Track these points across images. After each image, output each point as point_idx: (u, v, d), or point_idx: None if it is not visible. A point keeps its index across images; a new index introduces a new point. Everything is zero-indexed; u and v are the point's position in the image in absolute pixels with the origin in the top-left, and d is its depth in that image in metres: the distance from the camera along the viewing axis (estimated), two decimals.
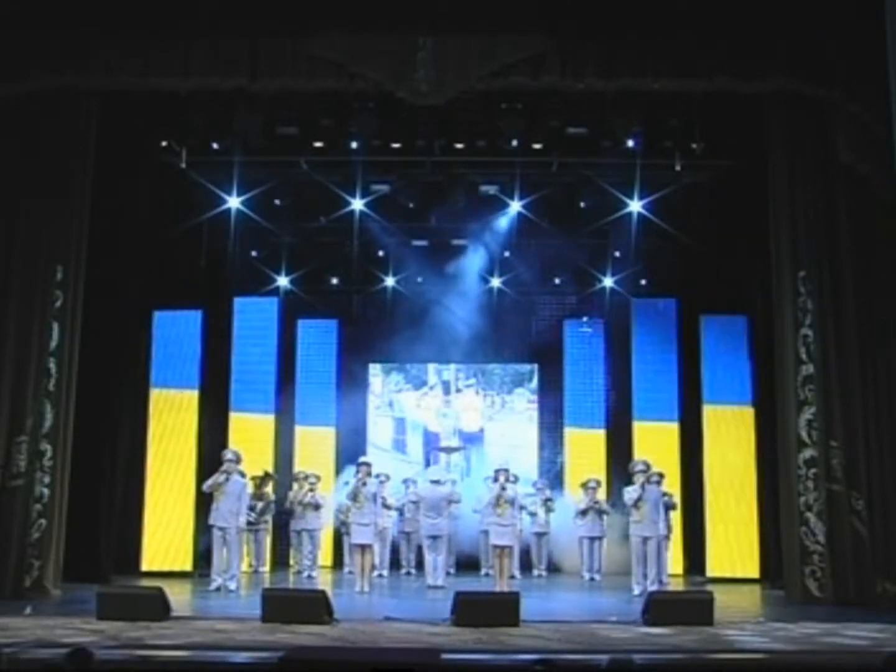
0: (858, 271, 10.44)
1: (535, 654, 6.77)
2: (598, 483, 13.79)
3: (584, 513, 13.45)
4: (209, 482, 11.45)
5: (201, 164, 12.63)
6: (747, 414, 13.26)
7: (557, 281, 15.37)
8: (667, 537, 12.51)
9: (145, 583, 11.14)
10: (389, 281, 15.44)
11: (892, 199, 9.99)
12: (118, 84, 10.51)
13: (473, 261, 14.83)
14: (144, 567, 12.78)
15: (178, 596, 9.73)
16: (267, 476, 13.63)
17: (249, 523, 12.53)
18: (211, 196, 13.34)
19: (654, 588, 10.85)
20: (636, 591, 11.07)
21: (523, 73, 10.34)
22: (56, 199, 10.60)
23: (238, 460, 11.72)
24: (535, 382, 16.13)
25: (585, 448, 14.73)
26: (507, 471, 11.88)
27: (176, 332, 13.49)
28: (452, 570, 13.50)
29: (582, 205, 13.70)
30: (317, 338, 15.28)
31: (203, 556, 12.51)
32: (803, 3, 10.25)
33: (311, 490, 13.35)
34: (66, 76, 10.35)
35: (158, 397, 13.30)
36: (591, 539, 13.40)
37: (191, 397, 13.42)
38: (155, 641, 7.69)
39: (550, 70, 10.31)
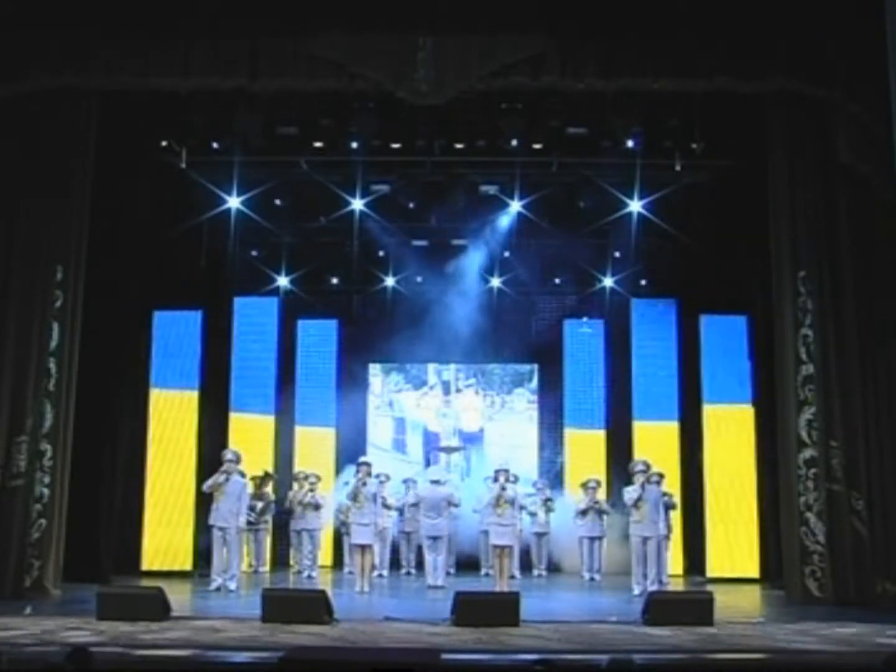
0: (858, 271, 10.44)
1: (535, 654, 6.78)
2: (598, 483, 13.78)
3: (584, 513, 13.44)
4: (209, 482, 11.45)
5: (201, 164, 12.63)
6: (747, 414, 13.26)
7: (557, 281, 15.38)
8: (667, 537, 12.50)
9: (145, 583, 11.15)
10: (389, 281, 15.44)
11: (892, 199, 10.00)
12: (118, 84, 10.51)
13: (473, 261, 14.82)
14: (144, 567, 12.78)
15: (178, 596, 9.72)
16: (267, 476, 13.64)
17: (249, 523, 12.53)
18: (211, 196, 13.34)
19: (654, 588, 10.85)
20: (636, 591, 11.07)
21: (523, 73, 10.34)
22: (56, 199, 10.60)
23: (238, 460, 11.72)
24: (535, 382, 16.13)
25: (585, 448, 14.72)
26: (507, 471, 11.88)
27: (176, 332, 13.50)
28: (452, 570, 13.50)
29: (582, 205, 13.70)
30: (317, 338, 15.27)
31: (203, 556, 12.51)
32: (803, 3, 10.26)
33: (311, 490, 13.35)
34: (66, 76, 10.35)
35: (158, 397, 13.31)
36: (591, 539, 13.40)
37: (191, 398, 13.43)
38: (155, 641, 7.69)
39: (550, 70, 10.31)
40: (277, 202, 13.72)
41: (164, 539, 12.92)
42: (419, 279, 15.35)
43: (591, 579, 13.19)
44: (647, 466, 11.58)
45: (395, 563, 13.83)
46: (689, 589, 12.27)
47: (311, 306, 15.40)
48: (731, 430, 13.34)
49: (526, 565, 13.79)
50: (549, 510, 13.94)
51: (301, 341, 15.18)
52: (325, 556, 14.23)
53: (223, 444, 12.98)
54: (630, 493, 11.40)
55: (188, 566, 12.89)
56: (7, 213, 10.59)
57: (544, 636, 8.01)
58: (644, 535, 11.30)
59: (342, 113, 11.85)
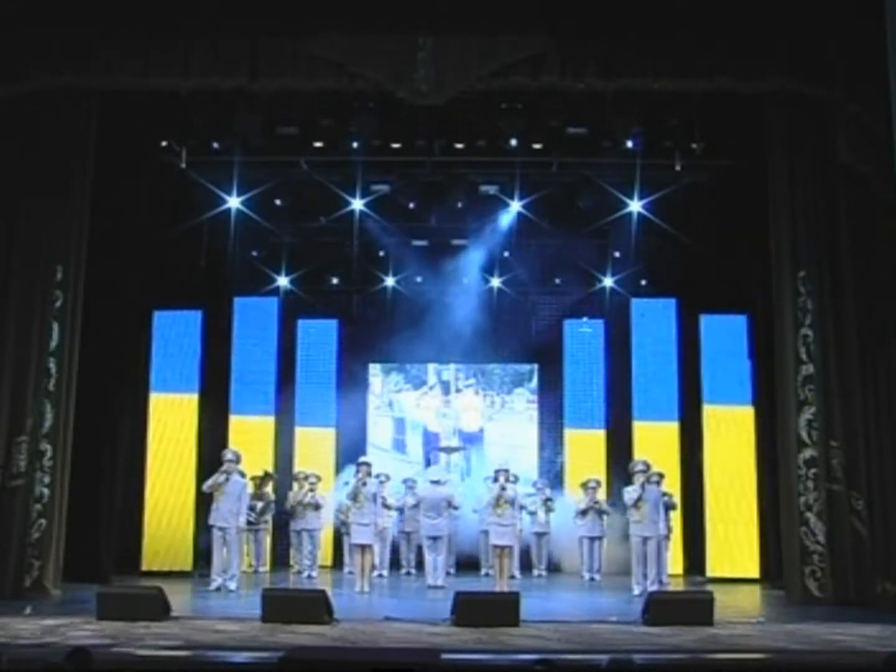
0: (858, 271, 10.44)
1: (535, 654, 6.78)
2: (598, 483, 13.78)
3: (584, 513, 13.44)
4: (209, 482, 11.45)
5: (201, 164, 12.63)
6: (747, 414, 13.25)
7: (557, 281, 15.38)
8: (667, 537, 12.50)
9: (145, 583, 11.13)
10: (389, 281, 15.44)
11: (892, 199, 10.00)
12: (118, 84, 10.51)
13: (473, 261, 14.82)
14: (144, 567, 12.77)
15: (178, 596, 9.72)
16: (267, 476, 13.63)
17: (249, 523, 12.53)
18: (211, 196, 13.35)
19: (654, 588, 10.85)
20: (636, 591, 11.06)
21: (523, 73, 10.34)
22: (56, 199, 10.60)
23: (238, 460, 11.72)
24: (534, 382, 16.13)
25: (585, 448, 14.71)
26: (507, 471, 11.88)
27: (176, 332, 13.50)
28: (452, 570, 13.49)
29: (582, 205, 13.71)
30: (317, 338, 15.25)
31: (203, 556, 12.51)
32: (803, 3, 10.25)
33: (311, 490, 13.35)
34: (66, 76, 10.35)
35: (158, 397, 13.31)
36: (591, 539, 13.39)
37: (190, 398, 13.42)
38: (155, 641, 7.69)
39: (550, 70, 10.31)
40: (277, 202, 13.72)
41: (164, 539, 12.92)
42: (419, 279, 15.35)
43: (591, 579, 13.18)
44: (647, 466, 11.58)
45: (395, 563, 13.82)
46: (689, 589, 12.26)
47: (311, 306, 15.39)
48: (731, 430, 13.34)
49: (526, 565, 13.78)
50: (549, 510, 13.93)
51: (301, 341, 15.17)
52: (325, 556, 14.22)
53: (223, 444, 12.96)
54: (630, 493, 11.40)
55: (188, 566, 12.89)
56: (7, 213, 10.59)
57: (544, 636, 8.01)
58: (644, 535, 11.30)
59: (342, 113, 11.85)
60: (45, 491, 10.31)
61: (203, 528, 12.11)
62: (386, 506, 12.99)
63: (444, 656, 7.00)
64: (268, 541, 13.78)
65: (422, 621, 8.65)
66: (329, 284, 15.53)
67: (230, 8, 10.34)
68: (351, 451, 14.26)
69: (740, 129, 11.80)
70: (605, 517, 13.44)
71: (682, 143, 12.15)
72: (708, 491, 13.24)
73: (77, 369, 10.74)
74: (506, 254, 15.00)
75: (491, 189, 13.79)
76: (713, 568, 13.03)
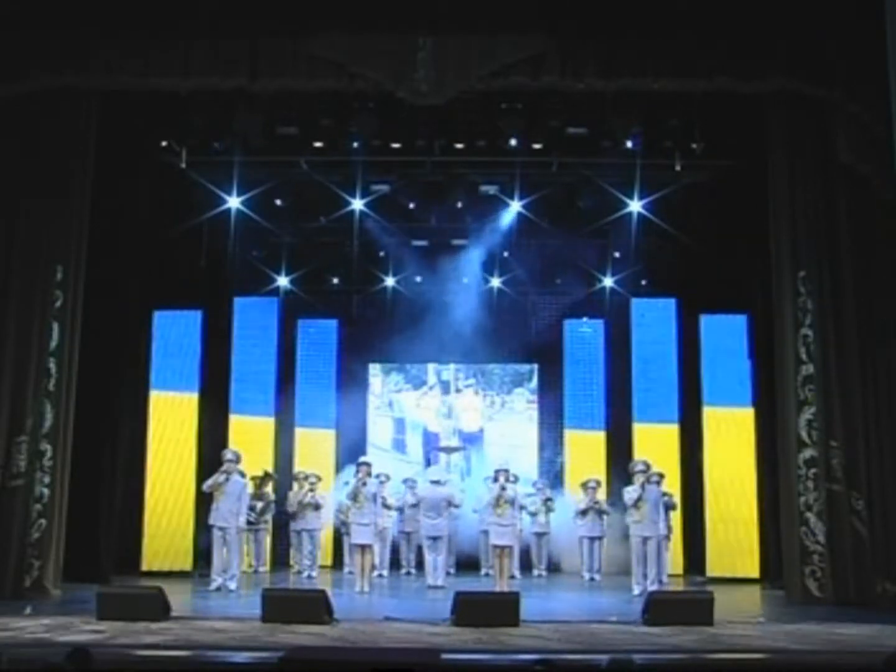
0: (858, 271, 10.44)
1: (535, 654, 6.78)
2: (598, 483, 13.78)
3: (584, 513, 13.44)
4: (209, 482, 11.45)
5: (201, 164, 12.63)
6: (747, 415, 13.22)
7: (557, 281, 15.38)
8: (667, 537, 12.51)
9: (145, 583, 11.14)
10: (389, 281, 15.44)
11: (892, 199, 10.00)
12: (118, 84, 10.51)
13: (473, 261, 14.82)
14: (144, 567, 12.78)
15: (178, 596, 9.72)
16: (267, 476, 13.64)
17: (249, 523, 12.53)
18: (211, 196, 13.34)
19: (654, 588, 10.85)
20: (636, 591, 11.06)
21: (523, 73, 10.34)
22: (56, 199, 10.60)
23: (238, 460, 11.72)
24: (534, 382, 16.13)
25: (585, 450, 14.70)
26: (507, 471, 11.88)
27: (176, 332, 13.49)
28: (452, 570, 13.49)
29: (582, 205, 13.71)
30: (317, 338, 15.27)
31: (203, 556, 12.51)
32: (803, 3, 10.25)
33: (311, 490, 13.35)
34: (66, 76, 10.35)
35: (158, 397, 13.31)
36: (591, 539, 13.39)
37: (190, 398, 13.42)
38: (155, 641, 7.69)
39: (550, 70, 10.31)
40: (277, 202, 13.73)
41: (164, 539, 12.92)
42: (419, 279, 15.34)
43: (591, 579, 13.18)
44: (647, 466, 11.58)
45: (395, 563, 13.82)
46: (689, 589, 12.26)
47: (311, 306, 15.40)
48: (731, 431, 13.32)
49: (526, 565, 13.78)
50: (549, 510, 13.93)
51: (301, 341, 15.18)
52: (325, 556, 14.22)
53: (223, 444, 12.96)
54: (630, 493, 11.40)
55: (188, 566, 12.89)
56: (7, 213, 10.59)
57: (544, 636, 8.01)
58: (644, 535, 11.30)
59: (342, 113, 11.85)
60: (45, 491, 10.31)
61: (203, 528, 12.11)
62: (386, 506, 12.99)
63: (444, 656, 7.00)
64: (268, 541, 13.78)
65: (422, 621, 8.65)
66: (329, 284, 15.53)
67: (230, 8, 10.34)
68: (351, 452, 14.27)
69: (740, 129, 11.80)
70: (605, 517, 13.44)
71: (682, 143, 12.15)
72: (708, 491, 13.23)
73: (77, 369, 10.74)
74: (506, 254, 15.00)
75: (491, 189, 13.78)
76: (713, 568, 13.03)
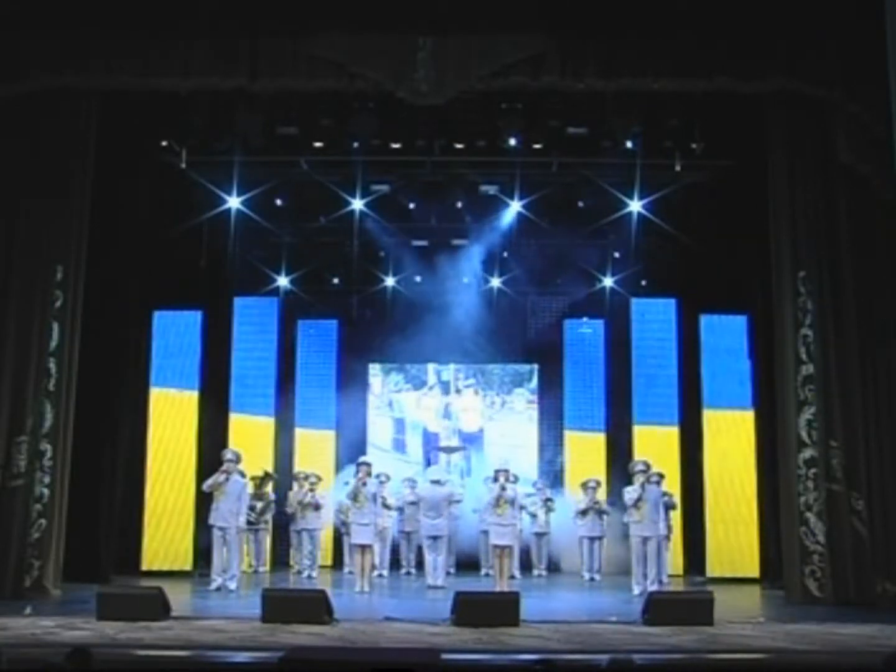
0: (858, 271, 10.44)
1: (535, 654, 6.80)
2: (598, 483, 13.78)
3: (584, 513, 13.44)
4: (209, 482, 11.45)
5: (201, 164, 12.62)
6: (748, 417, 13.18)
7: (557, 281, 15.39)
8: (667, 537, 12.52)
9: (145, 583, 11.13)
10: (389, 281, 15.44)
11: (892, 199, 9.99)
12: (118, 84, 10.50)
13: (473, 261, 14.82)
14: (144, 567, 12.78)
15: (178, 596, 9.73)
16: (267, 476, 13.63)
17: (249, 523, 12.54)
18: (211, 196, 13.34)
19: (654, 588, 10.85)
20: (636, 591, 11.07)
21: (523, 73, 10.33)
22: (56, 199, 10.60)
23: (238, 460, 11.72)
24: (534, 382, 16.13)
25: (585, 451, 14.69)
26: (507, 471, 11.88)
27: (176, 332, 13.50)
28: (452, 570, 13.49)
29: (582, 205, 13.72)
30: (317, 338, 15.28)
31: (203, 556, 12.51)
32: (803, 3, 10.25)
33: (311, 490, 13.35)
34: (66, 76, 10.35)
35: (158, 397, 13.31)
36: (591, 539, 13.39)
37: (191, 398, 13.42)
38: (155, 641, 7.69)
39: (550, 70, 10.31)
40: (277, 202, 13.73)
41: (164, 539, 12.92)
42: (419, 279, 15.34)
43: (591, 579, 13.18)
44: (647, 466, 11.58)
45: (395, 563, 13.82)
46: (689, 589, 12.26)
47: (311, 306, 15.41)
48: (731, 432, 13.31)
49: (526, 565, 13.78)
50: (549, 510, 13.93)
51: (301, 341, 15.19)
52: (325, 556, 14.22)
53: (223, 444, 12.97)
54: (630, 493, 11.40)
55: (188, 566, 12.89)
56: (7, 213, 10.59)
57: (544, 636, 8.01)
58: (644, 535, 11.30)
59: (342, 113, 11.84)
60: (45, 491, 10.31)
61: (203, 528, 12.11)
62: (386, 506, 13.00)
63: (444, 656, 7.00)
64: (268, 541, 13.78)
65: (422, 621, 8.64)
66: (329, 284, 15.53)
67: (230, 8, 10.34)
68: (351, 452, 14.27)
69: (740, 129, 11.79)
70: (605, 517, 13.44)
71: (682, 143, 12.14)
72: (708, 491, 13.22)
73: (77, 369, 10.74)
74: (505, 254, 15.00)
75: (491, 189, 13.77)
76: (713, 568, 13.02)
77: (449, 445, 15.69)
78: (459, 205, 13.82)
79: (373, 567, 12.30)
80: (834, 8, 10.19)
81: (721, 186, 13.02)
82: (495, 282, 15.33)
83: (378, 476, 12.59)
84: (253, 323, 14.47)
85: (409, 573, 13.68)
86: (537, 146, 12.39)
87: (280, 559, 14.03)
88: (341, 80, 10.50)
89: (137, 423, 13.01)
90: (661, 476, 11.75)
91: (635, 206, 13.51)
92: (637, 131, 11.84)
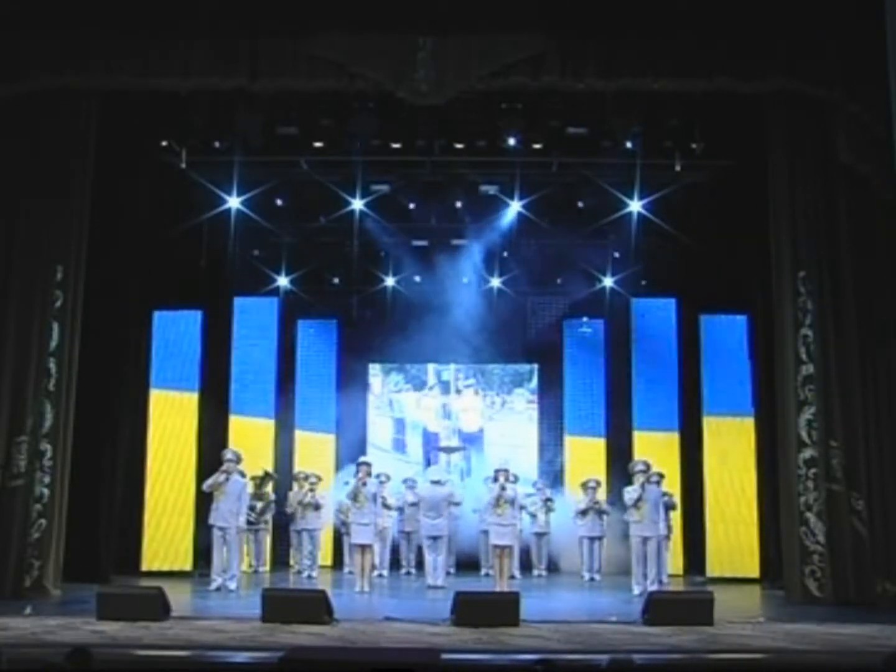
0: (858, 271, 10.44)
1: (535, 654, 6.79)
2: (598, 483, 13.78)
3: (584, 513, 13.44)
4: (209, 482, 11.45)
5: (201, 164, 12.62)
6: (748, 418, 13.14)
7: (557, 281, 15.39)
8: (667, 537, 12.51)
9: (145, 583, 11.13)
10: (389, 281, 15.44)
11: (892, 199, 9.99)
12: (118, 84, 10.50)
13: (473, 261, 14.81)
14: (144, 567, 12.78)
15: (178, 596, 9.72)
16: (267, 476, 13.63)
17: (249, 523, 12.54)
18: (211, 196, 13.33)
19: (654, 588, 10.85)
20: (636, 591, 11.07)
21: (523, 73, 10.33)
22: (56, 199, 10.60)
23: (238, 460, 11.72)
24: (534, 382, 16.12)
25: (586, 456, 14.65)
26: (507, 471, 11.88)
27: (176, 332, 13.49)
28: (452, 570, 13.49)
29: (582, 205, 13.72)
30: (317, 338, 15.28)
31: (203, 556, 12.51)
32: (803, 3, 10.25)
33: (311, 490, 13.35)
34: (66, 76, 10.35)
35: (158, 398, 13.30)
36: (591, 539, 13.39)
37: (190, 399, 13.41)
38: (155, 641, 7.69)
39: (550, 70, 10.31)
40: (277, 202, 13.73)
41: (164, 539, 12.91)
42: (419, 279, 15.34)
43: (591, 579, 13.18)
44: (647, 466, 11.58)
45: (395, 563, 13.82)
46: (689, 589, 12.26)
47: (311, 306, 15.41)
48: (731, 433, 13.29)
49: (526, 565, 13.78)
50: (549, 510, 13.93)
51: (301, 341, 15.19)
52: (325, 556, 14.22)
53: (223, 445, 12.97)
54: (630, 493, 11.40)
55: (188, 566, 12.89)
56: (7, 213, 10.59)
57: (544, 636, 8.01)
58: (644, 535, 11.30)
59: (342, 113, 11.84)
60: (45, 491, 10.31)
61: (203, 528, 12.11)
62: (386, 506, 13.00)
63: (444, 656, 7.00)
64: (268, 541, 13.78)
65: (422, 621, 8.64)
66: (329, 284, 15.53)
67: (230, 8, 10.34)
68: (351, 452, 14.27)
69: (740, 129, 11.78)
70: (605, 517, 13.44)
71: (682, 143, 12.14)
72: (708, 491, 13.22)
73: (77, 369, 10.74)
74: (506, 254, 15.00)
75: (491, 189, 13.77)
76: (713, 568, 13.02)
77: (449, 445, 15.69)
78: (459, 205, 13.83)
79: (373, 567, 12.30)
80: (834, 8, 10.19)
81: (721, 186, 13.02)
82: (495, 282, 15.32)
83: (378, 476, 12.60)
84: (253, 323, 14.47)
85: (409, 573, 13.68)
86: (537, 146, 12.38)
87: (280, 559, 14.03)
88: (341, 80, 10.50)
89: (137, 423, 13.00)
90: (661, 476, 11.75)
91: (635, 206, 13.50)
92: (637, 131, 11.84)
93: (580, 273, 15.08)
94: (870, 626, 8.58)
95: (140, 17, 10.23)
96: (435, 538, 12.18)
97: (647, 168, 12.60)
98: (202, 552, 12.54)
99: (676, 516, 13.19)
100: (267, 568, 13.62)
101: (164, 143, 12.34)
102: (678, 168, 12.40)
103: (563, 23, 10.23)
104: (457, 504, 12.60)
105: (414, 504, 13.14)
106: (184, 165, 12.31)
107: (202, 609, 9.89)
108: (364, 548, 11.64)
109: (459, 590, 9.17)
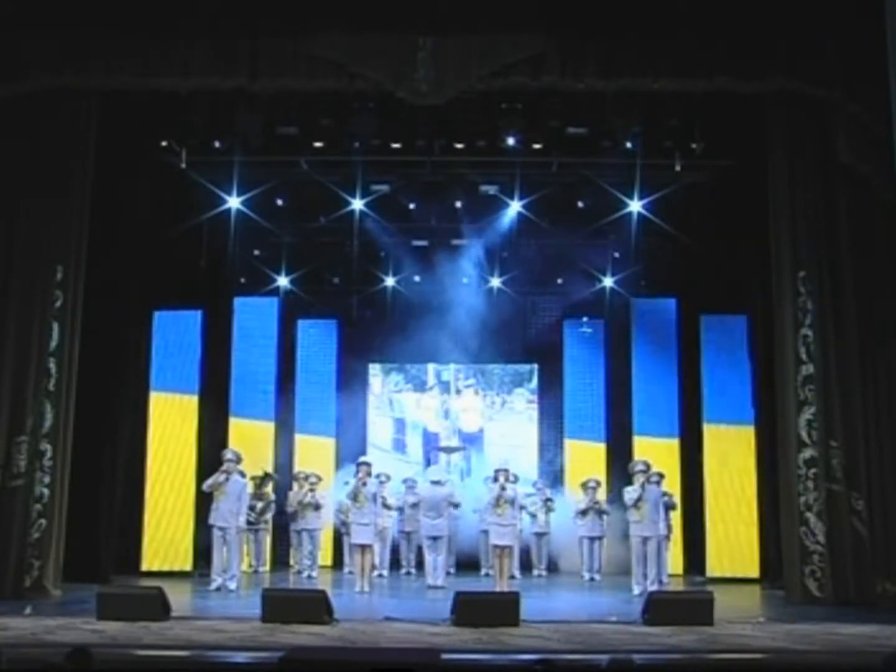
0: (858, 271, 10.43)
1: (535, 654, 6.80)
2: (598, 483, 13.78)
3: (584, 513, 13.44)
4: (209, 482, 11.45)
5: (201, 164, 12.62)
6: (748, 431, 13.14)
7: (558, 281, 15.40)
8: (667, 537, 12.51)
9: (145, 583, 11.14)
10: (389, 281, 15.44)
11: (892, 199, 9.99)
12: (118, 84, 10.50)
13: (473, 261, 14.81)
14: (144, 567, 12.78)
15: (178, 596, 9.72)
16: (267, 476, 13.63)
17: (249, 523, 12.54)
18: (211, 196, 13.34)
19: (654, 588, 10.85)
20: (636, 591, 11.07)
21: (523, 73, 10.33)
22: (56, 199, 10.60)
23: (238, 460, 11.72)
24: (534, 382, 16.13)
25: (586, 460, 14.63)
26: (507, 471, 11.88)
27: (176, 332, 13.48)
28: (452, 570, 13.49)
29: (582, 205, 13.71)
30: (317, 338, 15.28)
31: (203, 556, 12.51)
32: (803, 3, 10.25)
33: (311, 490, 13.34)
34: (66, 76, 10.35)
35: (158, 400, 13.29)
36: (591, 539, 13.39)
37: (190, 401, 13.39)
38: (155, 641, 7.69)
39: (550, 70, 10.31)
40: (277, 202, 13.73)
41: (164, 539, 12.91)
42: (419, 279, 15.35)
43: (591, 579, 13.18)
44: (647, 466, 11.59)
45: (395, 563, 13.83)
46: (689, 589, 12.26)
47: (311, 306, 15.41)
48: (730, 435, 13.28)
49: (526, 565, 13.78)
50: (549, 510, 13.93)
51: (301, 342, 15.19)
52: (325, 556, 14.22)
53: (223, 445, 12.96)
54: (630, 493, 11.40)
55: (188, 566, 12.88)
56: (7, 213, 10.59)
57: (544, 636, 8.01)
58: (644, 535, 11.30)
59: (342, 113, 11.84)
60: (45, 491, 10.31)
61: (203, 528, 12.11)
62: (386, 506, 13.00)
63: (444, 656, 7.00)
64: (268, 541, 13.78)
65: (422, 621, 8.64)
66: (329, 284, 15.54)
67: (230, 8, 10.34)
68: (351, 452, 14.26)
69: (740, 129, 11.78)
70: (605, 517, 13.44)
71: (682, 143, 12.13)
72: (708, 491, 13.21)
73: (77, 369, 10.74)
74: (505, 254, 15.00)
75: (491, 189, 13.77)
76: (713, 568, 13.02)
77: (449, 445, 15.69)
78: (459, 205, 13.83)
79: (373, 567, 12.30)
80: (834, 8, 10.19)
81: (721, 186, 13.02)
82: (495, 282, 15.32)
83: (378, 476, 12.60)
84: (253, 323, 14.47)
85: (409, 573, 13.68)
86: (537, 146, 12.38)
87: (280, 559, 14.03)
88: (341, 80, 10.50)
89: (137, 423, 13.00)
90: (661, 476, 11.75)
91: (635, 206, 13.50)
92: (637, 131, 11.83)
93: (580, 273, 15.08)
94: (870, 626, 8.57)
95: (140, 17, 10.23)
96: (435, 538, 12.18)
97: (647, 168, 12.60)
98: (202, 552, 12.54)
99: (676, 516, 13.19)
100: (267, 568, 13.62)
101: (164, 143, 12.34)
102: (678, 168, 12.39)
103: (563, 23, 10.23)
104: (456, 505, 12.59)
105: (414, 504, 13.14)
106: (184, 165, 12.31)
107: (202, 609, 9.89)
108: (364, 548, 11.64)
109: (459, 590, 9.17)
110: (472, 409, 16.22)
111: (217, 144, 12.17)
